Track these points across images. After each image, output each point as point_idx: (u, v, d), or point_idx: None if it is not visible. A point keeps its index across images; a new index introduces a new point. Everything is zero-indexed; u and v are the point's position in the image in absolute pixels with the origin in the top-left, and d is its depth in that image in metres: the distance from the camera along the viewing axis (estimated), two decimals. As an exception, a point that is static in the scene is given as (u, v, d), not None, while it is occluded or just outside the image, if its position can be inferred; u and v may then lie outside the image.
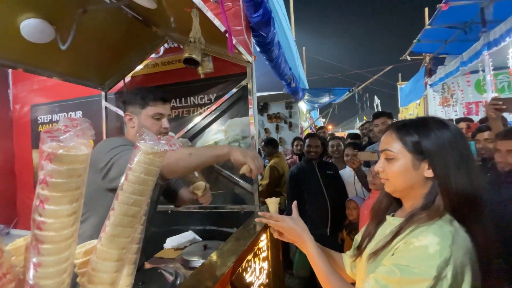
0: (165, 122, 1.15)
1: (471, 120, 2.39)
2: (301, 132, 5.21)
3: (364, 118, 19.31)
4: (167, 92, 2.13)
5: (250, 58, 1.76)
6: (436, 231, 0.61)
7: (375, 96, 14.99)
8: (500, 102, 1.53)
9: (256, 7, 1.67)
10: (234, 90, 1.81)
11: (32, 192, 2.78)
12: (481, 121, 2.29)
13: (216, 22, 1.21)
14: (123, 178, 0.58)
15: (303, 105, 6.23)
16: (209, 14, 1.15)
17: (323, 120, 11.71)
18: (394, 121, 2.35)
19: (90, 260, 0.53)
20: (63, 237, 0.43)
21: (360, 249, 0.82)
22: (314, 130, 7.74)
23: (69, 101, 2.48)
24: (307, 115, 7.63)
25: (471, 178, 0.66)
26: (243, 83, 1.75)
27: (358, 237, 0.90)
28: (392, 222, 0.75)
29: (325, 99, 6.06)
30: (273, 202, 0.94)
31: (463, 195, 0.65)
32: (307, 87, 6.32)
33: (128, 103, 1.16)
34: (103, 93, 2.18)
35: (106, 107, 2.19)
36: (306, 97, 5.21)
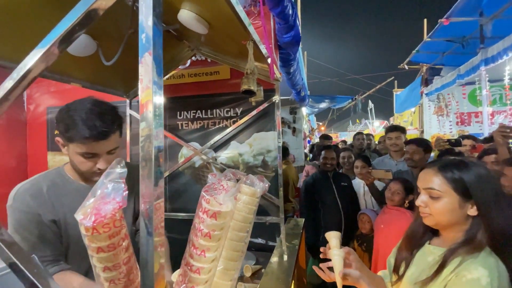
0: (101, 163, 0.90)
1: (475, 138, 2.54)
2: (304, 137, 5.32)
3: (357, 121, 19.61)
4: (192, 103, 2.19)
5: (279, 76, 1.84)
6: (483, 264, 0.71)
7: (369, 100, 15.26)
8: (508, 130, 1.69)
9: (289, 29, 1.75)
10: (266, 104, 1.87)
11: (45, 193, 2.78)
12: (485, 140, 2.44)
13: (264, 50, 1.29)
14: (232, 215, 0.65)
15: (303, 109, 6.34)
16: (262, 47, 1.22)
17: (319, 123, 11.82)
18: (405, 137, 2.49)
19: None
20: (209, 279, 0.50)
21: (397, 273, 0.90)
22: (311, 135, 7.86)
23: (89, 106, 2.49)
24: (306, 118, 7.77)
25: (505, 213, 0.76)
26: (274, 99, 1.83)
27: (391, 259, 0.97)
28: (432, 251, 0.83)
29: (325, 104, 6.20)
30: (335, 237, 0.83)
31: (501, 229, 0.75)
32: (307, 91, 6.44)
33: (57, 127, 0.92)
34: (127, 101, 2.21)
35: (130, 115, 2.22)
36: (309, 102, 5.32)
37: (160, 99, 0.46)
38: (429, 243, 0.87)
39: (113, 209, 0.40)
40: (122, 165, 0.44)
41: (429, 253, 0.84)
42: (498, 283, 0.68)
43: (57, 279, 0.74)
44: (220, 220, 0.47)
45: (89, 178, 0.96)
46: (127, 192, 0.42)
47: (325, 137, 4.60)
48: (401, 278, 0.89)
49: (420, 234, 0.91)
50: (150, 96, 0.44)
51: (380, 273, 1.02)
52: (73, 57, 1.58)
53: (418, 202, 0.85)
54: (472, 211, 0.77)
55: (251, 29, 1.10)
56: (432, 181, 0.81)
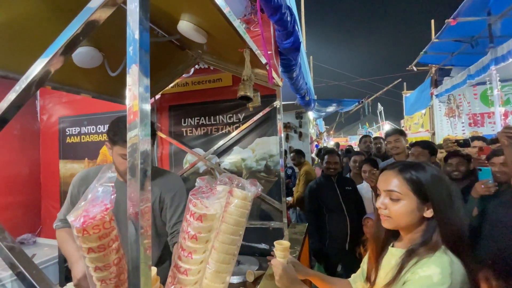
0: None
1: (485, 140, 2.48)
2: (311, 141, 5.30)
3: (367, 124, 19.38)
4: (196, 110, 2.24)
5: (279, 82, 1.86)
6: (436, 262, 0.72)
7: (378, 103, 15.06)
8: None
9: (288, 35, 1.77)
10: (268, 109, 1.90)
11: (57, 201, 2.87)
12: (493, 140, 2.38)
13: (261, 58, 1.32)
14: (219, 218, 0.66)
15: (310, 114, 6.33)
16: (258, 53, 1.25)
17: (327, 127, 11.72)
18: (405, 139, 2.46)
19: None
20: (199, 280, 0.52)
21: (370, 280, 0.91)
22: (319, 139, 7.81)
23: (98, 115, 2.58)
24: (313, 123, 7.74)
25: (460, 214, 0.78)
26: (275, 104, 1.85)
27: (364, 265, 1.00)
28: (394, 253, 0.84)
29: (332, 108, 6.17)
30: (281, 250, 0.96)
31: (456, 230, 0.76)
32: (314, 95, 6.43)
33: (107, 132, 1.15)
34: (134, 110, 2.27)
35: (136, 123, 2.28)
36: (315, 106, 5.31)
37: (147, 108, 0.49)
38: (392, 246, 0.89)
39: (101, 211, 0.43)
40: (112, 170, 0.46)
41: (392, 255, 0.86)
42: (450, 280, 0.69)
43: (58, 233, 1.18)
44: (207, 222, 0.49)
45: (123, 177, 1.20)
46: (115, 195, 0.44)
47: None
48: (373, 285, 0.90)
49: (383, 237, 0.92)
50: (137, 106, 0.47)
51: (352, 276, 1.05)
52: (82, 69, 1.66)
53: (378, 204, 0.86)
54: (428, 213, 0.79)
55: (246, 37, 1.13)
56: (392, 182, 0.82)
